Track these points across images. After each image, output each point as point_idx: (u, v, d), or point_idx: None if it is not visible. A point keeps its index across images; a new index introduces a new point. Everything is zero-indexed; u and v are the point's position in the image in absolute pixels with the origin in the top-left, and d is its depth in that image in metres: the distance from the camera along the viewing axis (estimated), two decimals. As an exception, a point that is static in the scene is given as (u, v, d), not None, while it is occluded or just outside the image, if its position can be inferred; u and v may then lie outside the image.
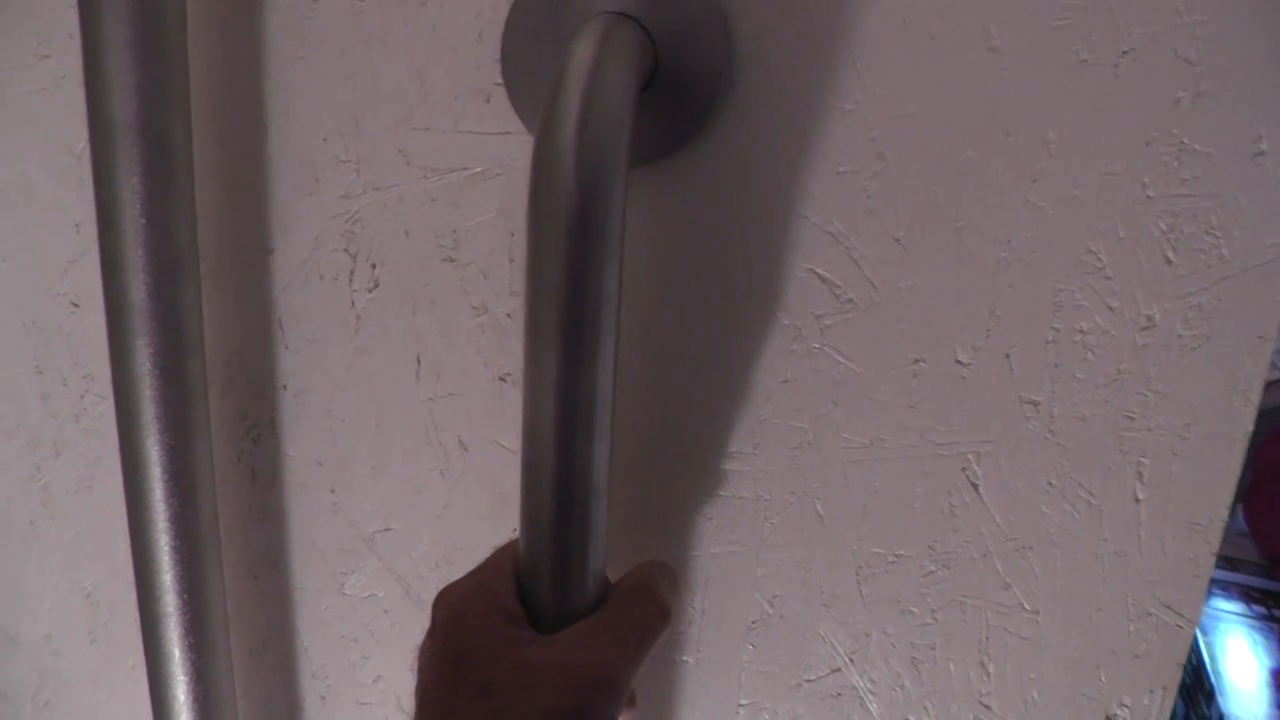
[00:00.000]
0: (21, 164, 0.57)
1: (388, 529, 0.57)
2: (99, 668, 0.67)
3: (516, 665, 0.39)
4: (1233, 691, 1.20)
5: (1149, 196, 0.42)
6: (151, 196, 0.47)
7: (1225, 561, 1.34)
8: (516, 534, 0.44)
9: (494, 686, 0.39)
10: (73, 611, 0.66)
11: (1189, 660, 1.23)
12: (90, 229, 0.57)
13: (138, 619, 0.55)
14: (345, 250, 0.52)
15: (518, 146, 0.48)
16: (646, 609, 0.43)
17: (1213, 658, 1.39)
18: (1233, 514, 1.32)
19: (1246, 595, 1.32)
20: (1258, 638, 1.27)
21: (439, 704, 0.40)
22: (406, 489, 0.55)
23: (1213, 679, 1.37)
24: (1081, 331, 0.44)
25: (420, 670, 0.43)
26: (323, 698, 0.62)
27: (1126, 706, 0.49)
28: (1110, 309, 0.44)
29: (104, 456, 0.61)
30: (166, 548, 0.52)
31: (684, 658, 0.54)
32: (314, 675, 0.62)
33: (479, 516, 0.55)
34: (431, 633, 0.44)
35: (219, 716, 0.56)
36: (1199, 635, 1.23)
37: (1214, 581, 1.26)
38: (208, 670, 0.55)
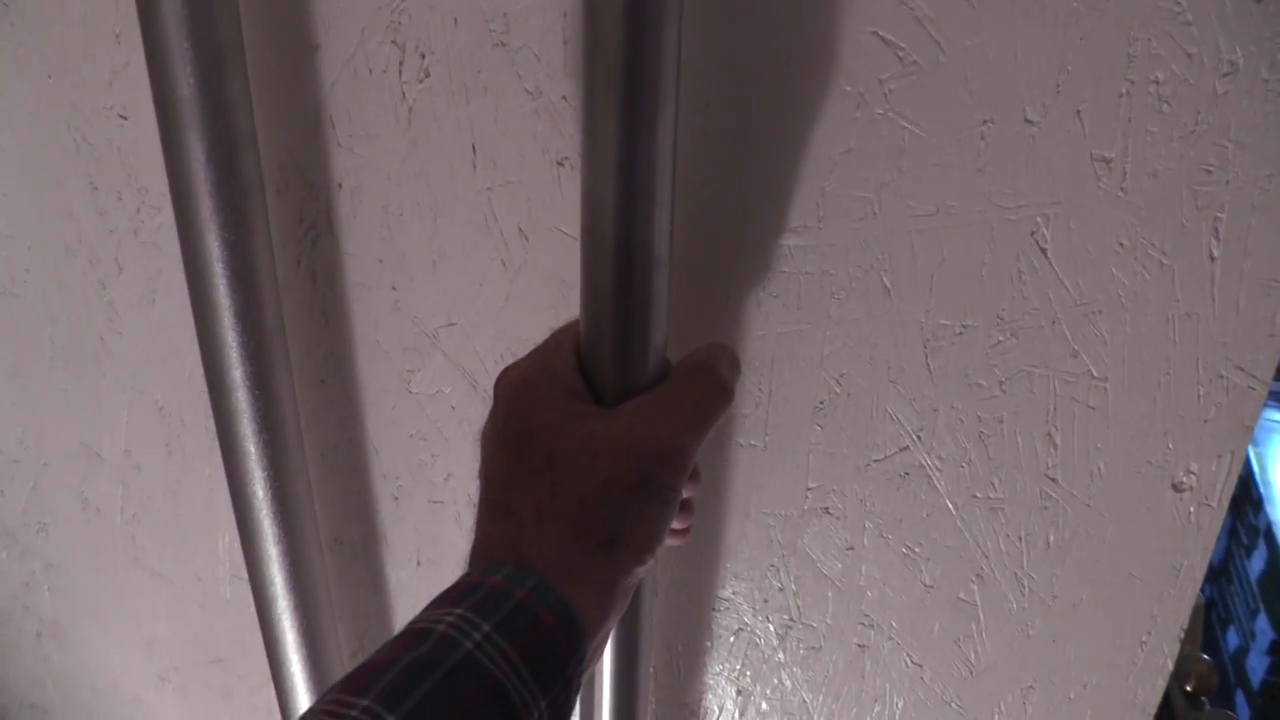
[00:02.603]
0: (57, -30, 0.56)
1: (451, 324, 0.57)
2: (178, 479, 0.69)
3: (580, 437, 0.40)
4: (1282, 499, 1.20)
5: (1234, -72, 0.40)
6: (193, -13, 0.46)
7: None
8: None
9: (557, 457, 0.40)
10: (148, 426, 0.68)
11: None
12: (130, 39, 0.56)
13: (210, 428, 0.56)
14: (393, 42, 0.51)
15: (566, -85, 0.46)
16: (708, 387, 0.43)
17: (1263, 467, 1.39)
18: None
19: (1297, 404, 1.32)
20: (1308, 447, 1.26)
21: (503, 478, 0.41)
22: (468, 282, 0.55)
23: (1261, 488, 1.38)
24: (1157, 82, 0.43)
25: (484, 449, 0.44)
26: (395, 498, 0.64)
27: (1193, 473, 0.49)
28: (1189, 55, 0.42)
29: (164, 269, 0.62)
30: (234, 344, 0.52)
31: (751, 441, 0.55)
32: (385, 476, 0.63)
33: (542, 306, 0.55)
34: (494, 413, 0.44)
35: (296, 515, 0.58)
36: (1249, 446, 1.23)
37: (1267, 390, 1.25)
38: (282, 466, 0.56)
